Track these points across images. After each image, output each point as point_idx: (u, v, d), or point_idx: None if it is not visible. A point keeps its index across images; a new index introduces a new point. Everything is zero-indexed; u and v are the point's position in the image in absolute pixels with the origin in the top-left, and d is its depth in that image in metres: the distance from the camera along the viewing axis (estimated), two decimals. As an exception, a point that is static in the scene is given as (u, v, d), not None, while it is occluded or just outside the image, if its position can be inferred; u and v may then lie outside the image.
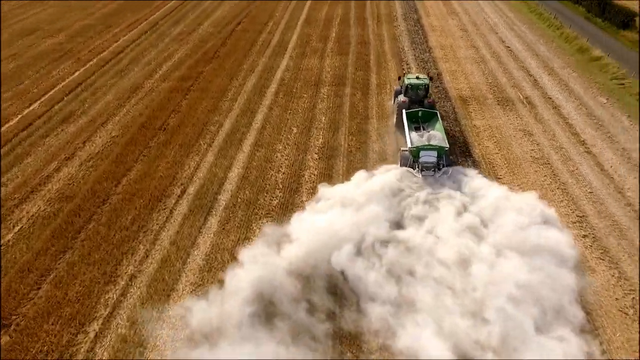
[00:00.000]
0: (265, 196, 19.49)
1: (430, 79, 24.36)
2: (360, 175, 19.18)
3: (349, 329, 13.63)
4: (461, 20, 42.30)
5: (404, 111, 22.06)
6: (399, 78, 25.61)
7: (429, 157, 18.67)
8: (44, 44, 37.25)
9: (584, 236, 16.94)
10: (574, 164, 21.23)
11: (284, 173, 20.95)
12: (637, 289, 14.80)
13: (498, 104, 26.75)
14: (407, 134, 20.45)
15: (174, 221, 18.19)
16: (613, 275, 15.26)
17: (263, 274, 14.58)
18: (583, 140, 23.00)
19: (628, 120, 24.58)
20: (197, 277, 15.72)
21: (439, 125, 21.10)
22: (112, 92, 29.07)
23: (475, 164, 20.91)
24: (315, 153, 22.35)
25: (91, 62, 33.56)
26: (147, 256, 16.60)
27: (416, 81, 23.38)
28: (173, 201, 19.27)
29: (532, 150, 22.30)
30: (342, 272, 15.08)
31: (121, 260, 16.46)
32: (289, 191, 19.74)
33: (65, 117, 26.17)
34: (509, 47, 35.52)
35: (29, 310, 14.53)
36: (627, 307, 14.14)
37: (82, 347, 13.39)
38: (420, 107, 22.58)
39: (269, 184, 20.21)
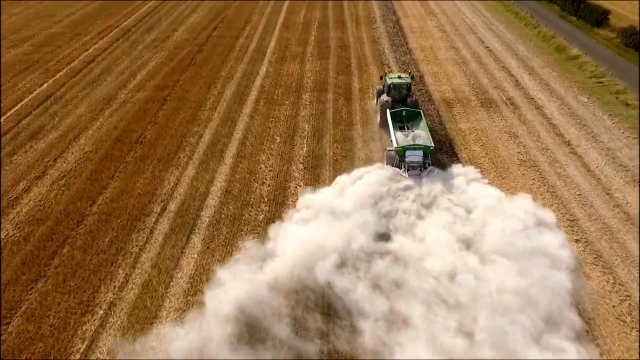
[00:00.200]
0: (251, 211, 18.72)
1: (412, 77, 24.59)
2: (341, 179, 19.03)
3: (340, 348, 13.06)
4: (439, 21, 42.25)
5: (388, 111, 22.21)
6: (381, 77, 25.78)
7: (415, 156, 18.88)
8: (8, 54, 35.51)
9: (577, 240, 16.77)
10: (560, 165, 21.15)
11: (268, 185, 20.21)
12: (632, 294, 14.65)
13: (482, 106, 26.60)
14: (392, 133, 20.65)
15: (155, 242, 17.27)
16: (608, 281, 15.08)
17: (246, 293, 13.97)
18: (568, 141, 22.98)
19: (609, 119, 24.72)
20: (181, 302, 14.87)
21: (423, 124, 21.29)
22: (83, 104, 27.76)
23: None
24: (300, 163, 21.68)
25: (60, 73, 32.08)
26: (126, 281, 15.66)
27: (398, 80, 23.58)
28: (153, 220, 18.32)
29: (519, 152, 22.15)
30: (329, 285, 14.60)
31: (99, 287, 15.48)
32: (275, 204, 19.02)
33: (34, 132, 24.80)
34: (488, 47, 35.56)
35: (-2, 348, 13.46)
36: (624, 315, 13.95)
37: (59, 387, 12.45)
38: (403, 106, 22.88)
39: (254, 198, 19.44)
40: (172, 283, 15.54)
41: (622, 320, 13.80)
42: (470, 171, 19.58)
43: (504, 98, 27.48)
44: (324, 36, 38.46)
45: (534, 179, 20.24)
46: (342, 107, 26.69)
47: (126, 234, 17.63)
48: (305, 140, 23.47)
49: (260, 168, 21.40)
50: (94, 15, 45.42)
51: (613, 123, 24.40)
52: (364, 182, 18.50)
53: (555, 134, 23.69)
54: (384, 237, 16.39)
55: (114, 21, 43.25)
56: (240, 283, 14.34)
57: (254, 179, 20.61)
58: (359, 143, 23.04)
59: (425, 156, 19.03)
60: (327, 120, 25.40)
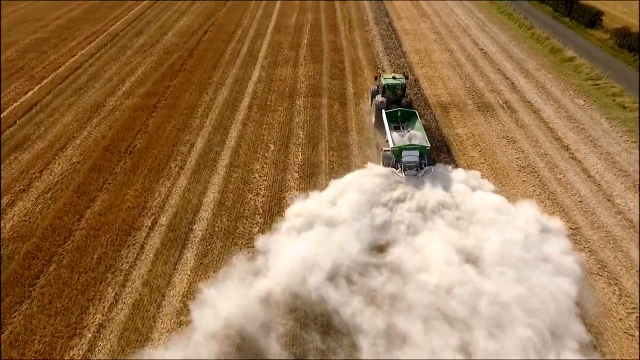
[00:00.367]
0: (245, 223, 18.11)
1: (406, 78, 24.67)
2: (334, 184, 18.75)
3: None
4: (433, 23, 41.90)
5: (383, 111, 22.14)
6: (376, 78, 25.94)
7: (412, 156, 18.89)
8: (-8, 60, 34.53)
9: (580, 250, 16.37)
10: (560, 171, 20.80)
11: (263, 196, 19.61)
12: (638, 306, 14.29)
13: (478, 110, 26.22)
14: (388, 134, 20.66)
15: (146, 258, 16.59)
16: (614, 293, 14.70)
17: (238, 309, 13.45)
18: (566, 146, 22.65)
19: (607, 123, 24.45)
20: (174, 322, 14.23)
21: (418, 124, 21.29)
22: (70, 112, 26.93)
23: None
24: (296, 171, 21.10)
25: (46, 80, 31.18)
26: (116, 301, 14.97)
27: (393, 81, 23.65)
28: (144, 234, 17.64)
29: (518, 158, 21.77)
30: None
31: (87, 307, 14.78)
32: (270, 216, 18.43)
33: (18, 143, 23.95)
34: (482, 49, 35.25)
35: (-21, 378, 12.74)
36: (632, 328, 13.56)
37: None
38: (398, 106, 22.93)
39: (248, 209, 18.83)
40: (164, 302, 14.89)
41: (631, 335, 13.41)
42: (471, 177, 19.13)
43: (501, 102, 27.13)
44: (317, 39, 37.91)
45: (534, 185, 19.85)
46: (337, 113, 26.16)
47: (116, 250, 16.93)
48: (300, 148, 22.89)
49: (254, 177, 20.79)
50: (80, 19, 44.45)
51: (611, 126, 24.13)
52: (355, 188, 18.05)
53: (554, 138, 23.36)
54: (380, 248, 15.89)
55: (101, 25, 42.34)
56: (230, 300, 13.78)
57: (248, 189, 19.99)
58: (355, 150, 22.52)
59: (421, 156, 19.02)
60: (322, 126, 24.85)
